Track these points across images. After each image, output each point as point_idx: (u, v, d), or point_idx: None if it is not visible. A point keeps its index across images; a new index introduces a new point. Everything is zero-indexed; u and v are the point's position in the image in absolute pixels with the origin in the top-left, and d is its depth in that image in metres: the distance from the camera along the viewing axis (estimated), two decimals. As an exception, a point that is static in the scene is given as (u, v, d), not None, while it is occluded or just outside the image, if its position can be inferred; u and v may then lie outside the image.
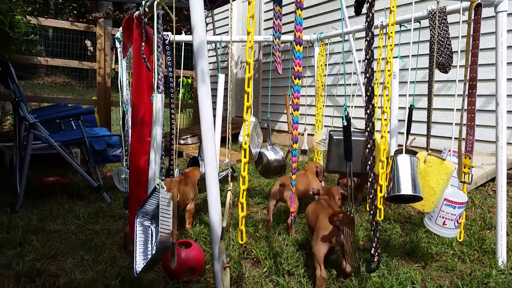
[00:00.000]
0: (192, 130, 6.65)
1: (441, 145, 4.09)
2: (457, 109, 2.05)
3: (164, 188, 1.65)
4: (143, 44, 2.02)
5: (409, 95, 3.81)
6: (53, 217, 2.82)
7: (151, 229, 1.73)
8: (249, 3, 1.56)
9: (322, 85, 3.40)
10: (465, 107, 2.06)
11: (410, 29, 2.39)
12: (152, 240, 1.71)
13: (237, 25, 7.63)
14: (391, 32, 2.10)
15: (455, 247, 2.33)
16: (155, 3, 1.82)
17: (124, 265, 2.08)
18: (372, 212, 1.73)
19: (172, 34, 2.81)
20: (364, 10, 1.74)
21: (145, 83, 2.12)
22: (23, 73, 11.82)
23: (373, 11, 1.68)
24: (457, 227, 2.07)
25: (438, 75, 2.20)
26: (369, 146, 1.73)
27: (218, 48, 3.45)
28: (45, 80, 12.83)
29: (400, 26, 2.65)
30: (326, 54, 3.46)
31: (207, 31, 7.53)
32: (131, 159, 2.13)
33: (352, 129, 3.07)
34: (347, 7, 4.25)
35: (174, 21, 1.77)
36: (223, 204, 1.57)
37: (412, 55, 2.36)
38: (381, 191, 2.15)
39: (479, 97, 3.77)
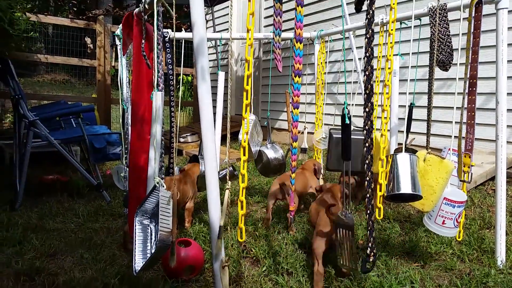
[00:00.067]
0: (192, 128, 6.65)
1: (441, 143, 4.08)
2: (457, 107, 2.04)
3: (164, 186, 1.65)
4: (143, 41, 2.01)
5: (409, 93, 3.80)
6: (53, 215, 2.82)
7: (150, 227, 1.72)
8: (249, 0, 1.55)
9: (322, 83, 3.39)
10: (465, 105, 2.05)
11: (410, 27, 2.38)
12: (151, 239, 1.71)
13: (237, 22, 7.61)
14: (392, 30, 2.10)
15: (454, 247, 2.33)
16: (155, 0, 1.82)
17: (123, 263, 2.08)
18: (368, 212, 1.72)
19: (172, 31, 2.80)
20: (364, 7, 1.73)
21: (145, 80, 2.12)
22: (23, 71, 11.81)
23: (373, 8, 1.67)
24: (457, 226, 2.07)
25: (438, 73, 2.19)
26: (367, 144, 1.72)
27: (218, 45, 3.45)
28: (45, 78, 12.81)
29: (401, 24, 2.64)
30: (327, 52, 3.45)
31: (207, 28, 7.51)
32: (131, 157, 2.13)
33: (352, 128, 3.09)
34: (347, 4, 4.24)
35: (174, 18, 1.76)
36: (223, 202, 1.57)
37: (412, 53, 2.35)
38: (380, 190, 2.15)
39: (479, 95, 3.77)
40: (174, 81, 2.72)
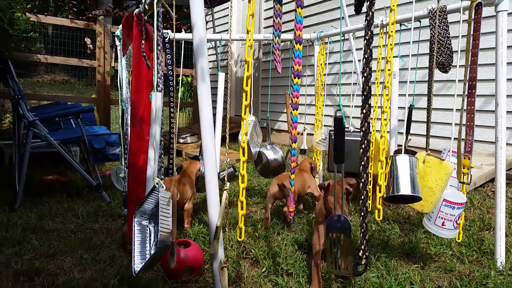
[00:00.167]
0: (192, 129, 6.65)
1: (441, 145, 4.09)
2: (456, 109, 2.04)
3: (163, 187, 1.65)
4: (143, 42, 2.01)
5: (409, 94, 3.80)
6: (52, 215, 2.82)
7: (149, 228, 1.72)
8: (249, 1, 1.55)
9: (322, 84, 3.39)
10: (465, 107, 2.05)
11: (410, 28, 2.38)
12: (150, 239, 1.71)
13: (237, 24, 7.62)
14: (391, 31, 2.10)
15: (454, 248, 2.33)
16: (155, 0, 1.82)
17: (123, 264, 2.08)
18: (362, 214, 1.71)
19: (172, 32, 2.80)
20: (364, 9, 1.73)
21: (145, 81, 2.12)
22: (23, 71, 11.80)
23: (373, 10, 1.67)
24: (456, 228, 2.07)
25: (438, 74, 2.19)
26: (363, 146, 1.72)
27: (218, 46, 3.45)
28: (45, 78, 12.81)
29: (400, 25, 2.65)
30: (326, 53, 3.46)
31: (207, 29, 7.51)
32: (130, 158, 2.13)
33: (352, 129, 3.09)
34: (347, 5, 4.24)
35: (174, 19, 1.76)
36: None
37: (412, 55, 2.36)
38: (380, 191, 2.15)
39: (478, 97, 3.78)
40: (174, 82, 2.72)
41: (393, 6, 1.98)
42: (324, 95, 3.46)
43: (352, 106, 3.99)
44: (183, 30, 3.50)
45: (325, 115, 3.49)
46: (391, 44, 2.15)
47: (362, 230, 1.72)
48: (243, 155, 1.58)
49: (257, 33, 6.83)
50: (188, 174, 2.74)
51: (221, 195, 1.58)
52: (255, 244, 2.37)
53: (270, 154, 3.01)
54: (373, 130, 2.72)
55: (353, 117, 3.51)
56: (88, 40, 8.31)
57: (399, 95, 2.86)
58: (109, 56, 6.04)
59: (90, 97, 8.05)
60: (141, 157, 2.07)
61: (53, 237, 2.43)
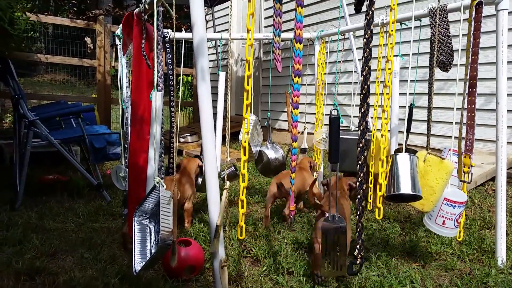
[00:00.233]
0: (192, 128, 6.65)
1: (441, 144, 4.08)
2: (457, 108, 2.04)
3: (163, 186, 1.65)
4: (143, 41, 2.01)
5: (410, 93, 3.80)
6: (53, 215, 2.82)
7: (149, 227, 1.72)
8: (249, 1, 1.55)
9: (322, 84, 3.39)
10: (465, 106, 2.05)
11: (410, 27, 2.38)
12: (150, 239, 1.71)
13: (237, 23, 7.62)
14: (392, 30, 2.10)
15: (455, 247, 2.33)
16: (155, 0, 1.82)
17: (124, 263, 2.08)
18: (358, 213, 1.71)
19: (172, 31, 2.80)
20: (364, 8, 1.73)
21: (145, 80, 2.12)
22: (23, 70, 11.80)
23: (373, 9, 1.67)
24: (457, 227, 2.07)
25: (438, 73, 2.19)
26: (361, 145, 1.72)
27: (218, 45, 3.45)
28: (45, 78, 12.81)
29: (401, 24, 2.64)
30: (327, 52, 3.46)
31: (207, 28, 7.50)
32: (131, 157, 2.13)
33: (353, 128, 3.09)
34: (347, 4, 4.23)
35: (174, 18, 1.76)
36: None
37: (412, 54, 2.36)
38: (380, 190, 2.15)
39: (479, 96, 3.77)
40: (174, 81, 2.72)
41: (394, 5, 1.97)
42: (324, 94, 3.46)
43: (352, 105, 3.99)
44: (183, 29, 3.50)
45: (325, 114, 3.48)
46: (391, 43, 2.15)
47: (358, 230, 1.72)
48: (244, 155, 1.58)
49: (258, 32, 6.83)
50: (187, 173, 2.74)
51: (221, 194, 1.59)
52: (255, 243, 2.37)
53: (271, 153, 3.02)
54: (374, 129, 2.72)
55: (353, 116, 3.51)
56: (88, 40, 8.31)
57: (399, 94, 2.86)
58: (110, 56, 6.04)
59: (91, 96, 8.06)
60: (141, 156, 2.07)
61: (54, 236, 2.43)
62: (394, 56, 2.38)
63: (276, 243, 2.36)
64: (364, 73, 1.68)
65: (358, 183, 1.71)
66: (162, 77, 2.14)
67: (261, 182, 3.83)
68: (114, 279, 1.88)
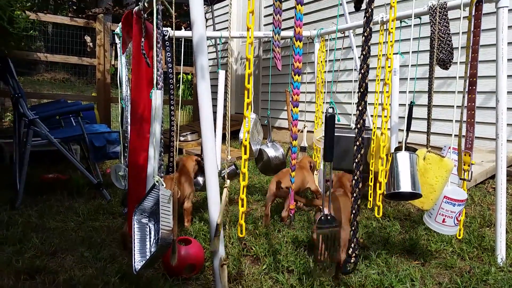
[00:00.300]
0: (192, 126, 6.65)
1: (441, 142, 4.08)
2: (457, 106, 2.04)
3: (163, 185, 1.65)
4: (142, 39, 2.01)
5: (410, 91, 3.80)
6: (53, 214, 2.82)
7: (148, 226, 1.72)
8: (248, -1, 1.55)
9: (322, 82, 3.39)
10: (465, 104, 2.05)
11: (410, 25, 2.38)
12: (150, 237, 1.71)
13: (237, 21, 7.60)
14: (392, 28, 2.09)
15: (455, 245, 2.33)
16: (154, -1, 1.81)
17: (124, 262, 2.08)
18: (354, 212, 1.71)
19: (172, 29, 2.80)
20: (364, 6, 1.73)
21: (145, 79, 2.12)
22: (23, 69, 11.80)
23: (372, 7, 1.67)
24: (457, 225, 2.07)
25: (438, 71, 2.19)
26: (357, 143, 1.72)
27: (218, 44, 3.44)
28: (45, 76, 12.80)
29: (401, 22, 2.64)
30: (326, 50, 3.45)
31: (206, 26, 7.48)
32: (130, 156, 2.13)
33: (353, 126, 3.09)
34: (347, 2, 4.23)
35: (173, 16, 1.76)
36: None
37: (412, 51, 2.35)
38: (380, 188, 2.15)
39: (479, 94, 3.76)
40: (174, 79, 2.71)
41: (393, 2, 1.97)
42: (324, 92, 3.45)
43: (353, 103, 3.99)
44: (182, 28, 3.50)
45: (325, 113, 3.49)
46: (391, 41, 2.15)
47: (353, 228, 1.71)
48: (245, 153, 1.58)
49: (257, 30, 6.82)
50: (186, 171, 2.73)
51: (221, 193, 1.58)
52: (255, 241, 2.37)
53: (271, 152, 3.02)
54: (374, 127, 2.72)
55: (354, 114, 3.51)
56: (88, 38, 8.31)
57: (399, 92, 2.86)
58: (109, 54, 6.03)
59: (90, 95, 8.05)
60: (141, 155, 2.07)
61: (54, 235, 2.43)
62: (394, 54, 2.38)
63: (276, 242, 2.36)
64: (362, 71, 1.68)
65: (354, 181, 1.71)
66: (162, 75, 2.13)
67: (261, 181, 3.82)
68: (114, 278, 1.88)
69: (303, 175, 2.85)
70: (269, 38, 4.12)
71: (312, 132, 3.48)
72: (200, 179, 2.94)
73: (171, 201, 1.62)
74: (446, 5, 2.18)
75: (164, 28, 2.72)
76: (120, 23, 2.51)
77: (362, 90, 1.68)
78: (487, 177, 3.51)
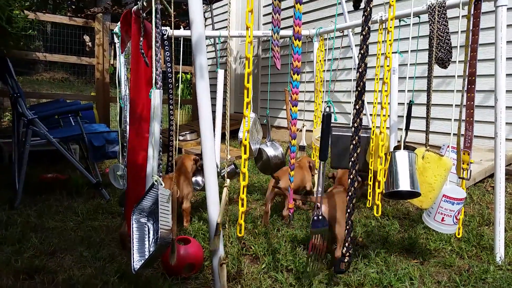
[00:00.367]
0: (191, 126, 6.64)
1: (440, 140, 4.08)
2: (456, 105, 2.04)
3: (162, 184, 1.65)
4: (141, 39, 2.01)
5: (408, 90, 3.79)
6: (52, 213, 2.82)
7: (147, 225, 1.72)
8: (247, -2, 1.55)
9: (321, 81, 3.39)
10: (464, 103, 2.05)
11: (409, 24, 2.38)
12: (149, 237, 1.71)
13: (236, 20, 7.59)
14: (390, 27, 2.09)
15: (453, 243, 2.33)
16: (153, -2, 1.81)
17: (123, 261, 2.08)
18: (349, 210, 1.71)
19: (171, 29, 2.79)
20: (363, 5, 1.73)
21: (143, 78, 2.11)
22: (22, 69, 11.78)
23: (371, 5, 1.67)
24: (456, 223, 2.07)
25: (437, 70, 2.19)
26: (354, 142, 1.72)
27: (217, 43, 3.44)
28: (44, 76, 12.79)
29: (400, 21, 2.64)
30: (325, 50, 3.45)
31: (205, 26, 7.49)
32: (129, 155, 2.13)
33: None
34: (346, 1, 4.22)
35: (172, 15, 1.76)
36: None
37: (411, 50, 2.36)
38: (379, 187, 2.15)
39: (478, 92, 3.77)
40: (173, 79, 2.71)
41: (392, 1, 1.97)
42: (323, 91, 3.45)
43: (352, 102, 3.99)
44: (181, 27, 3.49)
45: (322, 112, 3.49)
46: (390, 40, 2.15)
47: (347, 227, 1.71)
48: (245, 153, 1.58)
49: (256, 29, 6.81)
50: (184, 171, 2.73)
51: (221, 192, 1.59)
52: (255, 240, 2.37)
53: (270, 151, 3.02)
54: (373, 126, 2.72)
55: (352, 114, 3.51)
56: (87, 38, 8.30)
57: (398, 91, 2.86)
58: (108, 54, 6.02)
59: (89, 95, 8.05)
60: (140, 154, 2.07)
61: (53, 235, 2.43)
62: (392, 52, 2.38)
63: (275, 241, 2.36)
64: (360, 70, 1.68)
65: (349, 180, 1.71)
66: (161, 75, 2.13)
67: (260, 180, 3.83)
68: (113, 278, 1.88)
69: (303, 174, 2.87)
70: (268, 37, 4.12)
71: (311, 131, 3.48)
72: (200, 179, 2.94)
73: (170, 200, 1.62)
74: (445, 4, 2.18)
75: (163, 27, 2.71)
76: (119, 23, 2.50)
77: (359, 89, 1.68)
78: (486, 176, 3.52)
